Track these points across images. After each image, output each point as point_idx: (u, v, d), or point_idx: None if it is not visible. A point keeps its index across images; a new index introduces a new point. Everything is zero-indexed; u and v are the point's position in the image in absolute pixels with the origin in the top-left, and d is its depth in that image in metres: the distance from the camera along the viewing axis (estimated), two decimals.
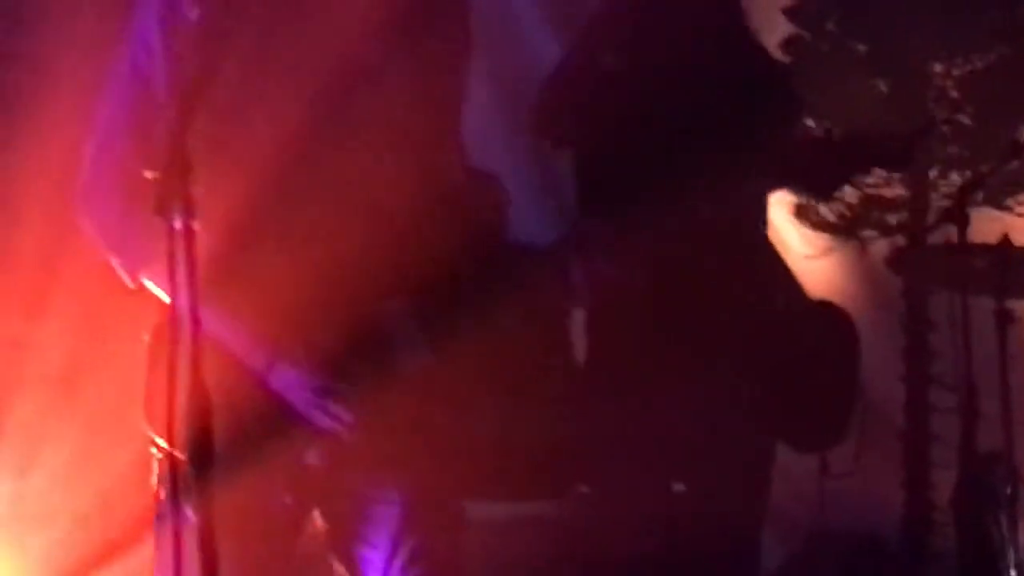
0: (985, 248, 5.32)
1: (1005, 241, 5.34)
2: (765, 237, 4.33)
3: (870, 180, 7.85)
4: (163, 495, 2.91)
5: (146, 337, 3.11)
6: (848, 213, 7.90)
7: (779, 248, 4.52)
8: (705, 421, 4.17)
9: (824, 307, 4.60)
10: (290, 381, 3.04)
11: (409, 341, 3.07)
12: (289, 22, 3.06)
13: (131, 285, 3.09)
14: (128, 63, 3.01)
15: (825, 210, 7.87)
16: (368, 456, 3.10)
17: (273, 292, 3.01)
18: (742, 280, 4.25)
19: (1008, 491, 5.23)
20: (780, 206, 7.86)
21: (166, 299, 2.82)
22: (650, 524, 4.26)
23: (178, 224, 2.39)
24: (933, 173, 7.79)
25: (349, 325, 3.02)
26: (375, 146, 3.09)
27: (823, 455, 4.71)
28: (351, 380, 3.03)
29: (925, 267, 5.75)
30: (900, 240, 7.59)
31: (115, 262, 3.09)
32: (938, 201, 7.63)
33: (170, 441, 2.41)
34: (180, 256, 2.38)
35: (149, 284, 3.08)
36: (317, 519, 3.25)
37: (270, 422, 3.04)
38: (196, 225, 2.40)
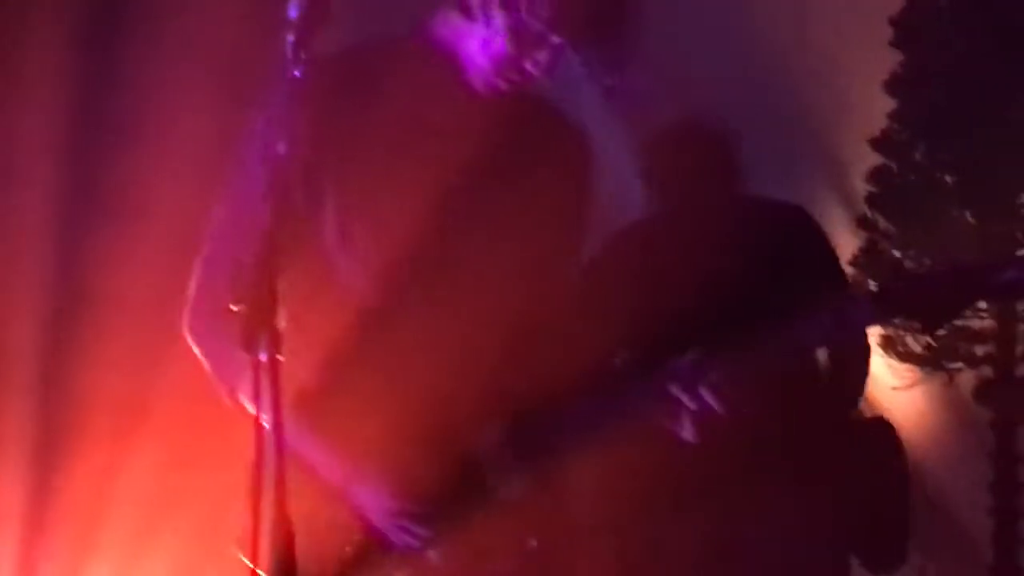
0: None
1: None
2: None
3: None
4: None
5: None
6: (935, 344, 7.87)
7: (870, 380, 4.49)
8: (785, 539, 4.16)
9: (876, 423, 4.57)
10: (369, 499, 3.04)
11: (503, 470, 3.07)
12: (417, 154, 3.06)
13: (230, 405, 3.11)
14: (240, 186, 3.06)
15: (912, 342, 7.85)
16: None
17: (360, 416, 3.01)
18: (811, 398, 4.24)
19: None
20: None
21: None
22: None
23: (263, 356, 2.39)
24: (1021, 305, 7.75)
25: (441, 451, 3.01)
26: (482, 277, 3.08)
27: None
28: (439, 506, 3.01)
29: (1013, 399, 5.71)
30: (987, 372, 7.55)
31: (217, 382, 3.11)
32: None
33: (255, 566, 2.42)
34: (265, 387, 2.39)
35: (247, 406, 3.10)
36: None
37: (354, 545, 3.04)
38: (281, 357, 2.40)
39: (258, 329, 2.41)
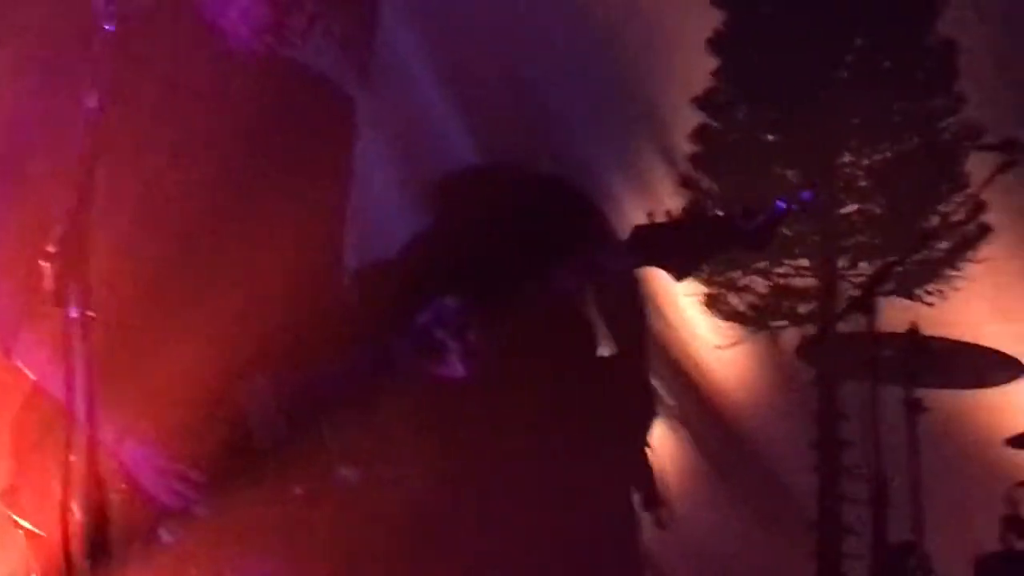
0: (894, 337, 5.31)
1: (914, 330, 5.34)
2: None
3: (780, 270, 7.89)
4: None
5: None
6: (758, 303, 7.92)
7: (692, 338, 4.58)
8: (563, 486, 4.21)
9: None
10: (138, 457, 3.02)
11: (268, 422, 3.09)
12: (177, 116, 3.10)
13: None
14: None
15: (735, 300, 7.89)
16: (222, 534, 3.08)
17: (129, 374, 2.97)
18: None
19: None
20: (691, 298, 7.88)
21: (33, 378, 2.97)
22: None
23: (74, 313, 2.39)
24: (843, 263, 7.83)
25: (205, 403, 3.02)
26: (257, 238, 3.13)
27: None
28: (207, 458, 3.04)
29: (835, 357, 5.74)
30: (810, 330, 7.61)
31: None
32: (848, 291, 7.66)
33: (64, 532, 2.39)
34: (76, 344, 2.38)
35: (20, 363, 3.08)
36: None
37: (128, 502, 3.01)
38: (92, 313, 2.40)
39: (68, 283, 2.41)
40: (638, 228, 3.40)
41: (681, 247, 3.46)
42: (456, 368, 3.23)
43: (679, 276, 3.45)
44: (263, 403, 3.10)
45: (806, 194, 3.49)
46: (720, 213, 3.42)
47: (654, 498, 4.58)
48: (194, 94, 3.12)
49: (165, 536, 3.08)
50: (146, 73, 3.08)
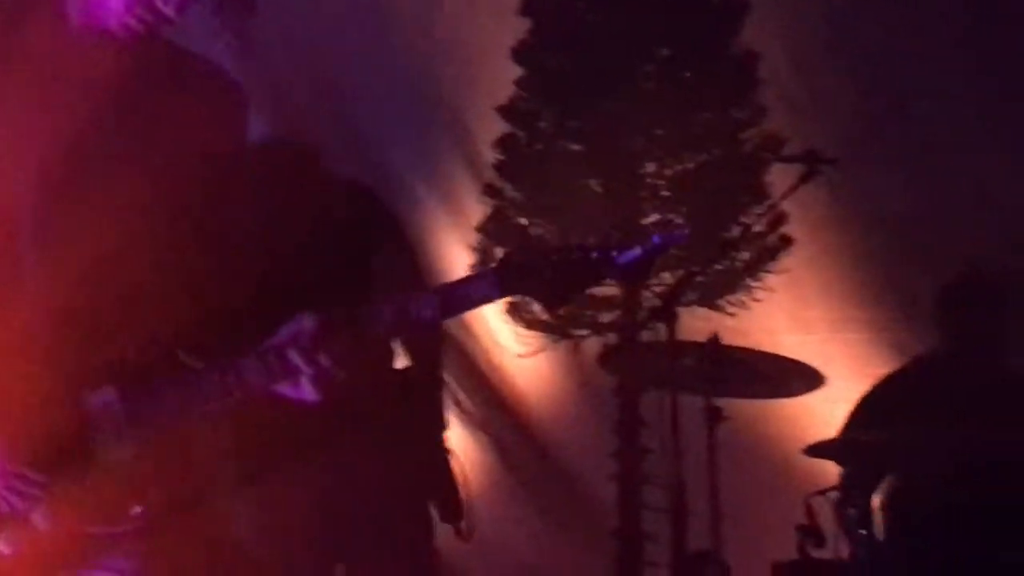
0: (695, 346, 5.33)
1: (714, 340, 5.36)
2: None
3: None
4: None
5: None
6: (561, 312, 7.92)
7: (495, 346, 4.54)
8: (360, 499, 4.16)
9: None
10: None
11: (113, 433, 2.97)
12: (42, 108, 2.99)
13: None
14: None
15: (537, 309, 7.88)
16: (59, 547, 2.97)
17: None
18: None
19: None
20: (493, 306, 7.85)
21: None
22: None
23: None
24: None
25: (48, 412, 2.91)
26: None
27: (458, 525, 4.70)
28: (52, 466, 2.92)
29: (637, 366, 5.74)
30: (612, 339, 7.63)
31: None
32: (650, 300, 7.69)
33: None
34: None
35: None
36: None
37: None
38: None
39: None
40: (509, 257, 3.35)
41: (553, 279, 3.44)
42: (307, 391, 3.15)
43: (549, 308, 3.42)
44: (110, 415, 2.99)
45: (679, 234, 3.47)
46: (593, 247, 3.38)
47: (454, 510, 4.54)
48: (67, 77, 3.01)
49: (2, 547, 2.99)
50: (17, 55, 2.98)
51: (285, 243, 3.95)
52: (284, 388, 3.15)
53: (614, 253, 3.38)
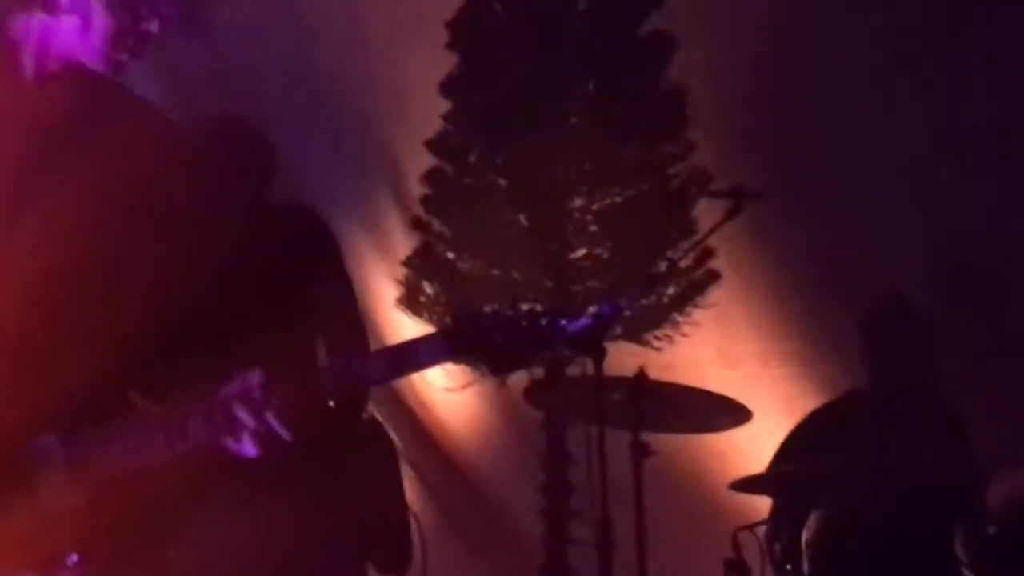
0: (622, 381, 5.32)
1: (641, 374, 5.35)
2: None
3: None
4: None
5: None
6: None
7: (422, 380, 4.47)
8: (288, 548, 4.08)
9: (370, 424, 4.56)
10: None
11: (53, 479, 2.99)
12: None
13: None
14: None
15: None
16: None
17: None
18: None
19: None
20: None
21: None
22: None
23: None
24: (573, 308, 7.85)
25: None
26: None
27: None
28: None
29: (563, 400, 5.73)
30: (539, 373, 7.61)
31: None
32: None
33: None
34: None
35: None
36: None
37: None
38: None
39: None
40: (458, 322, 3.33)
41: (502, 346, 3.42)
42: (248, 448, 3.15)
43: (497, 374, 3.42)
44: (50, 461, 2.99)
45: (627, 303, 3.49)
46: (542, 315, 3.37)
47: (400, 556, 4.46)
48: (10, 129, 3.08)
49: None
50: None
51: (229, 259, 3.92)
52: (226, 443, 3.13)
53: (563, 322, 3.41)
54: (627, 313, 3.28)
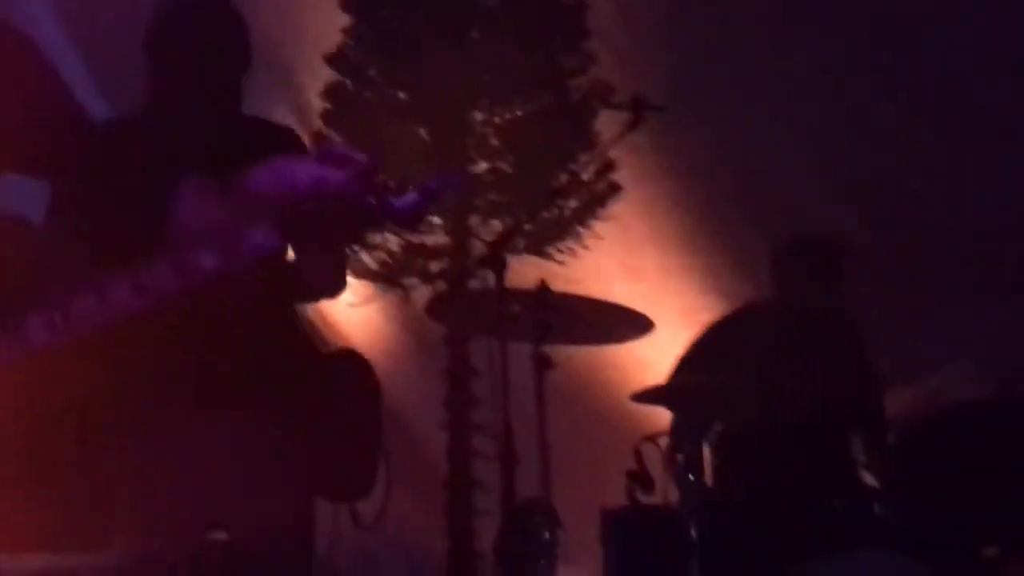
0: (523, 294, 5.30)
1: (542, 287, 5.34)
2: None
3: None
4: None
5: None
6: (390, 261, 7.88)
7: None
8: (242, 468, 4.02)
9: (345, 356, 4.52)
10: None
11: None
12: None
13: None
14: None
15: (367, 258, 7.84)
16: None
17: None
18: (267, 332, 4.15)
19: (547, 535, 5.22)
20: None
21: None
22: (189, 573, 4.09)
23: None
24: (475, 221, 7.84)
25: None
26: None
27: (353, 506, 4.59)
28: None
29: (465, 314, 5.71)
30: (442, 287, 7.61)
31: None
32: (480, 249, 7.67)
33: None
34: None
35: None
36: None
37: None
38: None
39: None
40: (283, 210, 3.34)
41: (332, 225, 3.43)
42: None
43: (325, 253, 3.45)
44: None
45: (455, 179, 3.52)
46: (369, 193, 3.42)
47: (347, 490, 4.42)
48: None
49: None
50: None
51: None
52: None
53: (391, 199, 3.47)
54: (454, 191, 3.42)
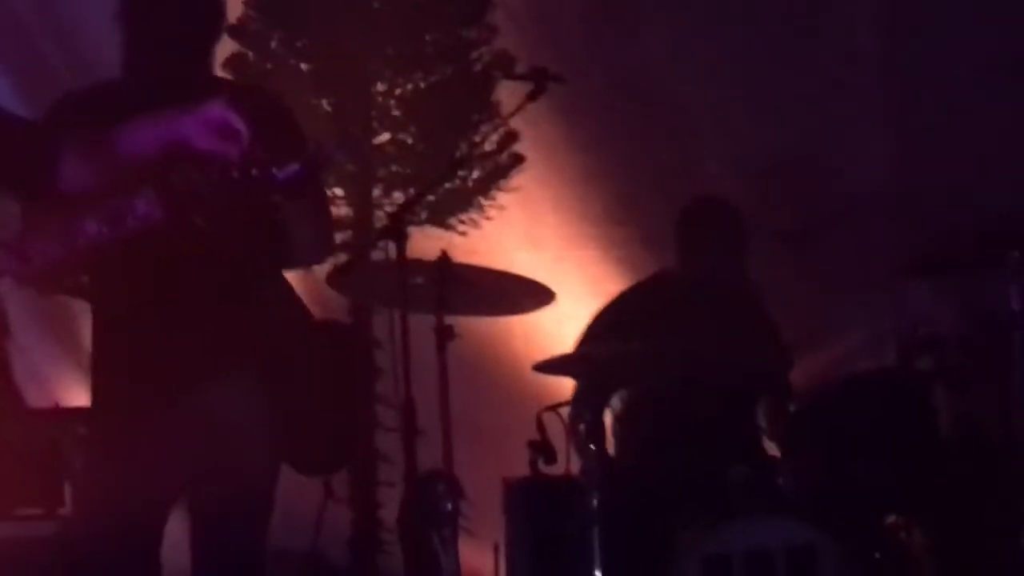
0: (424, 265, 5.30)
1: (444, 258, 5.34)
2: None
3: None
4: None
5: None
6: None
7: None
8: (213, 435, 4.03)
9: (332, 326, 4.54)
10: None
11: None
12: None
13: None
14: None
15: None
16: None
17: None
18: (250, 298, 4.15)
19: (450, 506, 5.24)
20: None
21: None
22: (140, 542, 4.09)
23: None
24: (377, 192, 7.82)
25: None
26: None
27: (328, 480, 4.60)
28: None
29: (367, 285, 5.70)
30: (344, 259, 7.57)
31: None
32: (382, 220, 7.65)
33: None
34: None
35: None
36: None
37: None
38: None
39: None
40: (170, 179, 3.37)
41: (215, 197, 3.46)
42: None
43: (212, 225, 3.48)
44: None
45: (336, 150, 3.60)
46: (253, 164, 3.45)
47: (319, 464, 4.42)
48: None
49: None
50: None
51: None
52: None
53: (274, 170, 3.50)
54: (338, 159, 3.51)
